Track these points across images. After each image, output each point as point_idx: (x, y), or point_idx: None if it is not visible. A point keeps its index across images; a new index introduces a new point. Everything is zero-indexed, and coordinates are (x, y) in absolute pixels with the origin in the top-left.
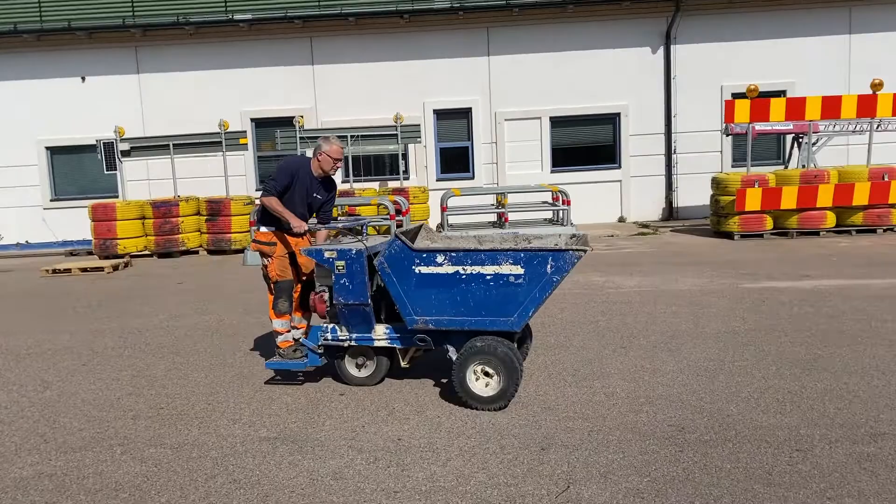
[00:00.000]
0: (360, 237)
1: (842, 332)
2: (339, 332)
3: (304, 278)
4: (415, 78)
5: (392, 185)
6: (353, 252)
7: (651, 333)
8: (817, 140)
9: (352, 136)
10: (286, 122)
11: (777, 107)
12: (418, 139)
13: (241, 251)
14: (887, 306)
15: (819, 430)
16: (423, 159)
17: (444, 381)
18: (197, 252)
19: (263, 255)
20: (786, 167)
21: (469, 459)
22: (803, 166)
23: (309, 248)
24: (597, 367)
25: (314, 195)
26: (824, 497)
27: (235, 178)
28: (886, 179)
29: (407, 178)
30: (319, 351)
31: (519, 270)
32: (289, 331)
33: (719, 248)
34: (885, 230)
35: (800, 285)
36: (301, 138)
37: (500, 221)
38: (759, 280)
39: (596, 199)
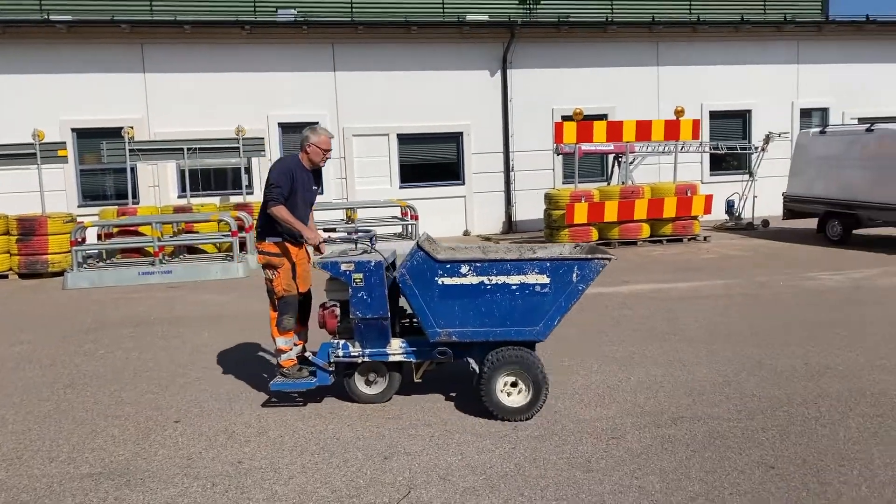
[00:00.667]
0: (368, 248)
1: (652, 329)
2: (350, 348)
3: (303, 292)
4: (258, 90)
5: (234, 200)
6: (372, 264)
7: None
8: (634, 159)
9: (189, 149)
10: (114, 132)
11: (599, 129)
12: (262, 153)
13: (61, 273)
14: (688, 307)
15: (631, 419)
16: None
17: (274, 400)
18: (6, 276)
19: (270, 267)
20: (608, 184)
21: (312, 476)
22: (623, 183)
23: (324, 260)
24: (438, 373)
25: (311, 190)
26: (633, 477)
27: (53, 193)
28: (689, 195)
29: (251, 193)
30: (330, 369)
31: (545, 280)
32: (292, 349)
33: None
34: (689, 239)
35: (620, 290)
36: (131, 150)
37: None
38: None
39: (442, 214)
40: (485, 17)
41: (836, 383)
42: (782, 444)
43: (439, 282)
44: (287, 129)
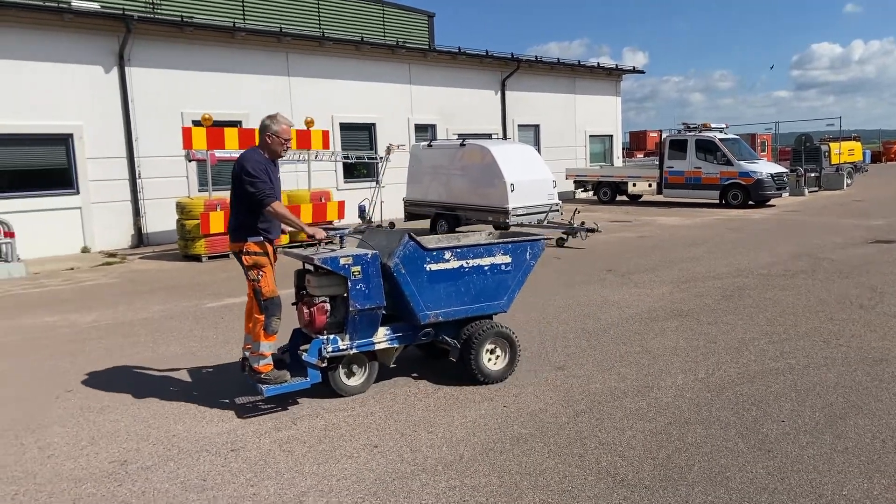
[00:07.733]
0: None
1: None
2: (339, 342)
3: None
4: None
5: None
6: (369, 256)
7: (108, 364)
8: None
9: None
10: None
11: (231, 136)
12: None
13: None
14: None
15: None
16: None
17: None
18: None
19: (257, 267)
20: None
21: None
22: None
23: (324, 256)
24: (35, 418)
25: (279, 181)
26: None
27: None
28: (323, 201)
29: None
30: (323, 366)
31: (507, 259)
32: (270, 354)
33: (188, 272)
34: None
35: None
36: None
37: None
38: (220, 298)
39: (52, 229)
40: (96, 6)
41: None
42: None
43: (427, 268)
44: None
